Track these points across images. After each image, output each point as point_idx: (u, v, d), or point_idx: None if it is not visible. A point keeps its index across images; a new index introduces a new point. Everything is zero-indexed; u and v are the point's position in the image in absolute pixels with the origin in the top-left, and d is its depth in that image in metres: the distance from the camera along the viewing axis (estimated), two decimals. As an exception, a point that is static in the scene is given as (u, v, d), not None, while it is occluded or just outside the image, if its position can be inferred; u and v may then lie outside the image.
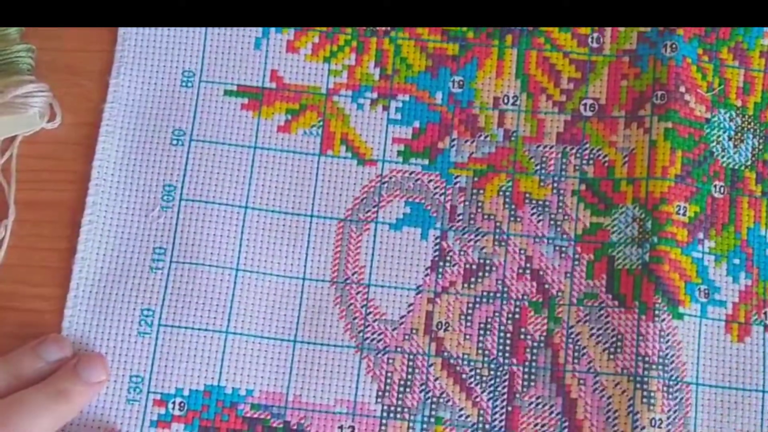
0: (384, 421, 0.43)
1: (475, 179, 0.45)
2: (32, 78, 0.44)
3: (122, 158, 0.45)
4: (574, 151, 0.45)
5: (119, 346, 0.43)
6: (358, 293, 0.44)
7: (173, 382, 0.43)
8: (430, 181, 0.45)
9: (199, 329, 0.43)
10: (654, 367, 0.41)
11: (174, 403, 0.42)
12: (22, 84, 0.44)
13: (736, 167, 0.44)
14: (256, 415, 0.43)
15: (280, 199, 0.45)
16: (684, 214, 0.43)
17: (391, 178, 0.45)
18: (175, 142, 0.45)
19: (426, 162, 0.45)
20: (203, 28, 0.46)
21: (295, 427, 0.43)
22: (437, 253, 0.44)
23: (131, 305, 0.43)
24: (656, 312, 0.42)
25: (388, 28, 0.46)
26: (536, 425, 0.42)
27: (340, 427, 0.43)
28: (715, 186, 0.43)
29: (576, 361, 0.43)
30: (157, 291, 0.43)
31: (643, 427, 0.41)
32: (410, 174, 0.45)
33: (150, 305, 0.43)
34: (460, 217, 0.45)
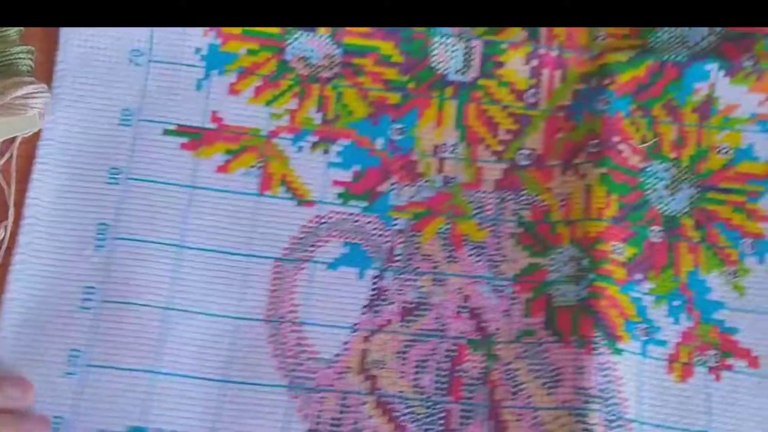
0: (313, 461, 0.44)
1: (414, 222, 0.49)
2: (32, 79, 0.48)
3: (56, 197, 0.48)
4: (511, 197, 0.49)
5: (44, 387, 0.44)
6: (291, 332, 0.46)
7: (95, 423, 0.44)
8: (369, 222, 0.49)
9: (125, 369, 0.45)
10: (594, 400, 0.43)
11: None
12: (21, 85, 0.47)
13: (673, 214, 0.48)
14: None
15: (216, 238, 0.48)
16: (621, 254, 0.46)
17: (329, 219, 0.49)
18: (111, 180, 0.48)
19: (365, 204, 0.49)
20: (145, 68, 0.50)
21: None
22: (374, 292, 0.47)
23: (59, 345, 0.45)
24: (594, 346, 0.44)
25: (331, 76, 0.51)
26: (473, 464, 0.44)
27: None
28: (652, 230, 0.47)
29: (514, 397, 0.45)
30: (85, 331, 0.45)
31: (584, 462, 0.43)
32: (349, 215, 0.49)
33: (77, 346, 0.45)
34: (398, 258, 0.48)
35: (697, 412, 0.44)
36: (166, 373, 0.45)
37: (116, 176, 0.48)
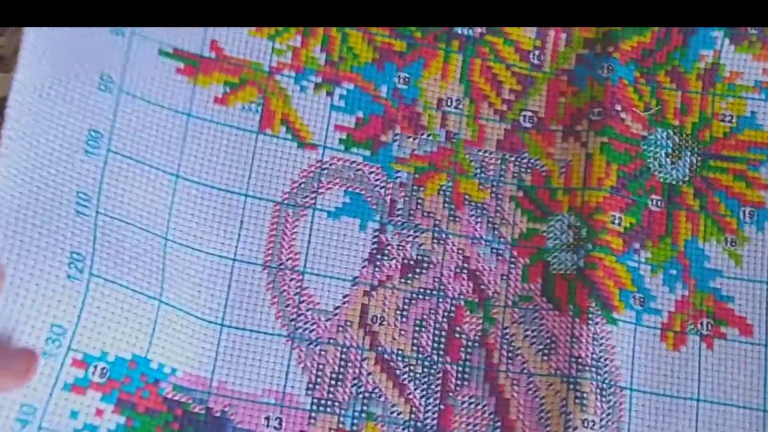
0: (313, 415, 0.44)
1: (416, 176, 0.48)
2: None
3: (43, 91, 0.43)
4: (513, 158, 0.49)
5: (43, 287, 0.40)
6: (291, 280, 0.46)
7: (99, 342, 0.41)
8: (371, 173, 0.48)
9: (133, 290, 0.42)
10: (587, 369, 0.45)
11: (96, 367, 0.41)
12: None
13: (674, 183, 0.49)
14: (177, 398, 0.43)
15: (213, 173, 0.46)
16: (619, 224, 0.48)
17: (331, 165, 0.47)
18: (103, 87, 0.44)
19: (368, 153, 0.48)
20: None
21: (217, 415, 0.43)
22: (375, 245, 0.47)
23: (59, 245, 0.40)
24: (590, 315, 0.46)
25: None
26: (468, 424, 0.45)
27: (267, 419, 0.44)
28: (651, 200, 0.49)
29: (510, 361, 0.46)
30: (86, 236, 0.41)
31: (575, 428, 0.44)
32: (351, 163, 0.48)
33: (79, 249, 0.41)
34: (400, 212, 0.47)
35: (687, 380, 0.46)
36: (169, 305, 0.43)
37: (108, 84, 0.45)
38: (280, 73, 0.48)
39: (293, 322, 0.45)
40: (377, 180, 0.48)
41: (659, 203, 0.48)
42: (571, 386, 0.45)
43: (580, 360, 0.45)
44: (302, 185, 0.47)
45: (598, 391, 0.45)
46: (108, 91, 0.45)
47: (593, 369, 0.45)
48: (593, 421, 0.44)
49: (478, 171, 0.49)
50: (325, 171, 0.47)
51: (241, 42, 0.48)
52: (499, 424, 0.45)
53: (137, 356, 0.42)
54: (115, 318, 0.41)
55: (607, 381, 0.45)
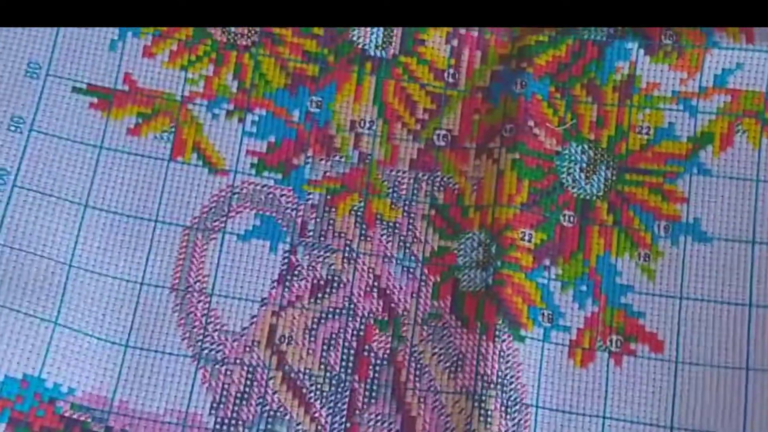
0: (216, 435, 0.45)
1: (328, 197, 0.49)
2: None
3: None
4: (426, 177, 0.49)
5: None
6: (199, 302, 0.46)
7: None
8: (282, 195, 0.48)
9: (25, 314, 0.44)
10: (492, 386, 0.45)
11: None
12: None
13: (588, 198, 0.48)
14: (75, 416, 0.44)
15: (123, 201, 0.47)
16: (529, 241, 0.47)
17: (242, 189, 0.48)
18: (13, 128, 0.47)
19: (279, 176, 0.49)
20: (56, 28, 0.49)
21: None
22: (285, 266, 0.47)
23: None
24: (497, 333, 0.46)
25: (249, 44, 0.50)
26: (374, 443, 0.45)
27: None
28: (564, 215, 0.48)
29: (417, 379, 0.46)
30: None
31: (480, 445, 0.44)
32: (262, 187, 0.49)
33: None
34: (311, 233, 0.48)
35: (594, 397, 0.45)
36: (66, 327, 0.45)
37: (19, 125, 0.47)
38: (192, 102, 0.49)
39: (199, 343, 0.46)
40: (288, 202, 0.48)
41: (572, 219, 0.48)
42: (476, 404, 0.45)
43: (485, 377, 0.45)
44: (212, 209, 0.48)
45: (503, 408, 0.45)
46: (17, 132, 0.47)
47: (498, 387, 0.45)
48: (498, 438, 0.44)
49: (391, 190, 0.49)
50: (236, 195, 0.48)
51: (155, 74, 0.49)
52: (404, 441, 0.45)
53: (29, 376, 0.43)
54: (4, 339, 0.43)
55: (512, 398, 0.45)
